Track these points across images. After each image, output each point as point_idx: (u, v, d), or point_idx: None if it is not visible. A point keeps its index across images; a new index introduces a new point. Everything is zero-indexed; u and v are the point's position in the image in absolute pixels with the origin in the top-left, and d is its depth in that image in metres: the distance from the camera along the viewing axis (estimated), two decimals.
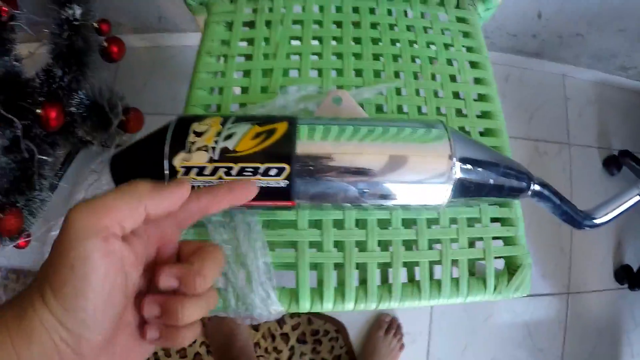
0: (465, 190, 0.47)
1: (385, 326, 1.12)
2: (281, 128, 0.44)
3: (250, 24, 0.67)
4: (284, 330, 1.13)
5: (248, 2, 0.68)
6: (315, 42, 0.66)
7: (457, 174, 0.46)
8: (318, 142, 0.45)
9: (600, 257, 1.32)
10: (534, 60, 1.33)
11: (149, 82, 1.29)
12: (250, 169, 0.43)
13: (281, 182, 0.43)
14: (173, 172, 0.43)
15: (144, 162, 0.45)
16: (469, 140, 0.49)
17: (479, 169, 0.48)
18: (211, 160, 0.42)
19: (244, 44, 0.66)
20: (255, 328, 1.12)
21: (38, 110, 0.83)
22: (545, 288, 1.26)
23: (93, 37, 0.97)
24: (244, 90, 0.62)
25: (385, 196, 0.47)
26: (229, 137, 0.43)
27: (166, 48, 1.31)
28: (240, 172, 0.43)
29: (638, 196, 0.61)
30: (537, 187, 0.53)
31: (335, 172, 0.44)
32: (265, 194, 0.44)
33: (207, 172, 0.43)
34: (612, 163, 1.33)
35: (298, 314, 1.12)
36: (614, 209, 0.61)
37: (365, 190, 0.46)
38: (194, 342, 1.12)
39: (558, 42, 1.20)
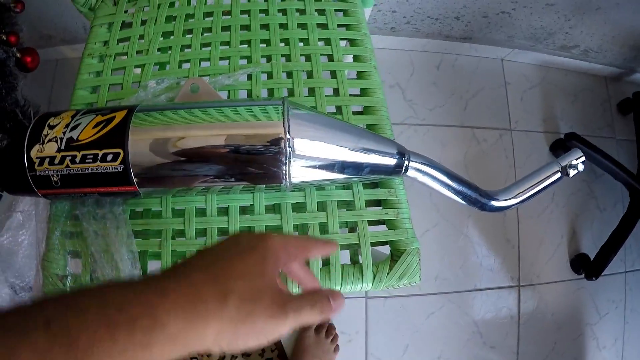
0: (310, 169, 0.47)
1: (314, 325, 1.09)
2: (119, 116, 0.47)
3: (129, 24, 0.70)
4: None
5: (128, 3, 0.71)
6: (189, 36, 0.67)
7: (297, 150, 0.46)
8: (151, 127, 0.47)
9: (553, 247, 1.30)
10: (465, 44, 1.32)
11: None
12: (91, 156, 0.46)
13: (117, 166, 0.46)
14: (31, 162, 0.47)
15: (10, 154, 0.49)
16: (314, 117, 0.49)
17: (324, 146, 0.47)
18: (59, 150, 0.46)
19: (125, 43, 0.68)
20: None
21: None
22: (494, 282, 1.24)
23: (5, 49, 1.00)
24: (122, 86, 0.65)
25: (222, 177, 0.48)
26: (75, 127, 0.46)
27: None
28: (83, 159, 0.46)
29: (559, 173, 0.58)
30: (414, 164, 0.52)
31: (166, 155, 0.46)
32: (107, 179, 0.47)
33: (56, 161, 0.46)
34: (560, 147, 1.32)
35: None
36: (530, 188, 0.59)
37: (199, 172, 0.47)
38: None
39: (485, 23, 1.19)
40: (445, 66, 1.35)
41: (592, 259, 1.27)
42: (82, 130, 0.46)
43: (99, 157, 0.46)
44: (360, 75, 0.65)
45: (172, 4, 0.71)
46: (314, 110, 0.52)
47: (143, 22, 0.69)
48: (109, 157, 0.45)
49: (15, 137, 0.49)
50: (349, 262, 0.55)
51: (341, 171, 0.49)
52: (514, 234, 1.26)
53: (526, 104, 1.37)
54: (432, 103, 1.31)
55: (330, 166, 0.48)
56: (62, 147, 0.46)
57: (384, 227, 0.57)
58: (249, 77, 0.63)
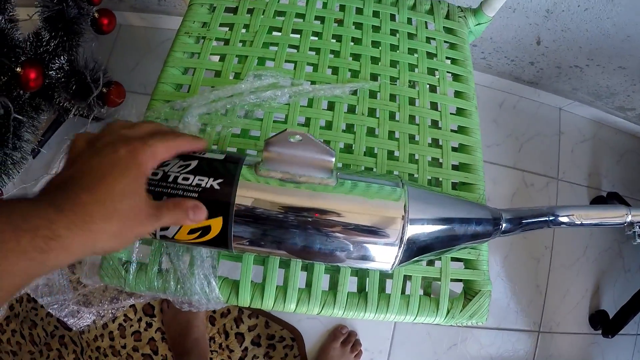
0: (419, 249, 0.45)
1: (341, 338, 1.10)
2: (215, 227, 0.42)
3: (233, 10, 0.67)
4: (240, 330, 1.11)
5: None
6: (296, 36, 0.66)
7: (411, 236, 0.43)
8: (252, 240, 0.43)
9: (576, 299, 1.30)
10: (530, 89, 1.32)
11: (141, 61, 1.29)
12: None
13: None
14: None
15: None
16: (429, 196, 0.47)
17: (437, 230, 0.45)
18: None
19: (224, 29, 0.66)
20: (212, 322, 1.11)
21: (18, 69, 0.84)
22: (516, 323, 1.24)
23: (83, 6, 0.99)
24: (217, 73, 0.62)
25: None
26: (165, 228, 0.42)
27: (163, 30, 1.32)
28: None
29: (628, 215, 0.57)
30: (506, 226, 0.51)
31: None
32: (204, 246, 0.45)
33: (150, 235, 0.44)
34: (600, 204, 1.32)
35: (256, 315, 1.11)
36: (592, 218, 0.58)
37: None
38: (150, 326, 1.12)
39: (556, 73, 1.20)
40: (507, 106, 1.35)
41: (610, 317, 1.27)
42: (176, 232, 0.42)
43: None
44: (460, 112, 0.64)
45: None
46: (428, 189, 0.50)
47: (249, 11, 0.67)
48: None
49: None
50: (422, 294, 0.54)
51: (444, 247, 0.47)
52: (543, 281, 1.26)
53: (575, 156, 1.37)
54: (490, 140, 1.31)
55: (435, 248, 0.46)
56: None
57: (460, 265, 0.57)
58: (355, 92, 0.61)
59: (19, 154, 0.97)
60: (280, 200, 0.42)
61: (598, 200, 1.33)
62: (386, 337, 1.15)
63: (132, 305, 1.14)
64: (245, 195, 0.41)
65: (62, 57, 0.94)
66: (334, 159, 0.43)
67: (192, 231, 0.42)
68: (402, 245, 0.42)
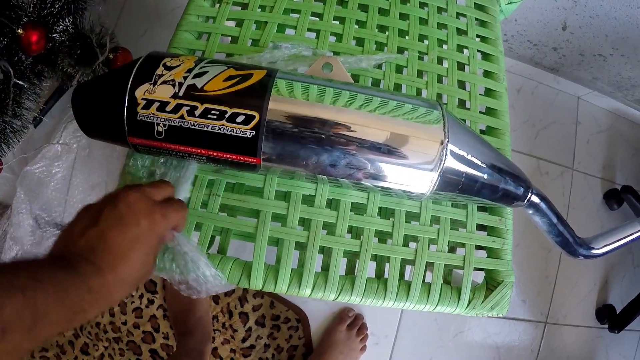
0: (453, 183, 0.44)
1: (348, 321, 1.07)
2: (258, 75, 0.41)
3: None
4: (245, 310, 1.08)
5: None
6: (319, 3, 0.62)
7: (447, 162, 0.42)
8: (293, 99, 0.41)
9: (584, 292, 1.28)
10: (550, 75, 1.29)
11: (150, 29, 1.25)
12: (216, 112, 0.39)
13: (247, 131, 0.39)
14: (133, 103, 0.39)
15: (106, 93, 0.41)
16: (466, 130, 0.45)
17: (473, 163, 0.44)
18: (175, 96, 0.39)
19: None
20: (216, 301, 1.08)
21: (19, 31, 0.80)
22: (524, 313, 1.22)
23: None
24: (234, 40, 0.59)
25: (361, 171, 0.42)
26: (199, 75, 0.40)
27: None
28: (205, 114, 0.39)
29: None
30: (535, 198, 0.50)
31: (309, 132, 0.40)
32: (229, 143, 0.40)
33: (168, 108, 0.39)
34: (613, 197, 1.30)
35: (262, 295, 1.09)
36: (614, 242, 0.58)
37: (339, 160, 0.42)
38: (152, 303, 1.09)
39: (578, 60, 1.16)
40: (525, 91, 1.32)
41: (617, 311, 1.26)
42: (209, 80, 0.39)
43: (226, 116, 0.39)
44: (489, 93, 0.62)
45: None
46: (464, 124, 0.48)
47: None
48: (240, 119, 0.39)
49: (117, 70, 0.41)
50: (441, 282, 0.52)
51: (478, 192, 0.46)
52: (553, 272, 1.24)
53: (591, 147, 1.34)
54: None
55: (471, 185, 0.45)
56: (181, 94, 0.39)
57: (483, 253, 0.55)
58: (379, 66, 0.58)
59: (19, 122, 0.93)
60: (316, 112, 0.42)
61: (611, 193, 1.31)
62: (393, 322, 1.13)
63: None
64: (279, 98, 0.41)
65: (67, 19, 0.89)
66: None
67: (230, 77, 0.40)
68: (440, 170, 0.42)
